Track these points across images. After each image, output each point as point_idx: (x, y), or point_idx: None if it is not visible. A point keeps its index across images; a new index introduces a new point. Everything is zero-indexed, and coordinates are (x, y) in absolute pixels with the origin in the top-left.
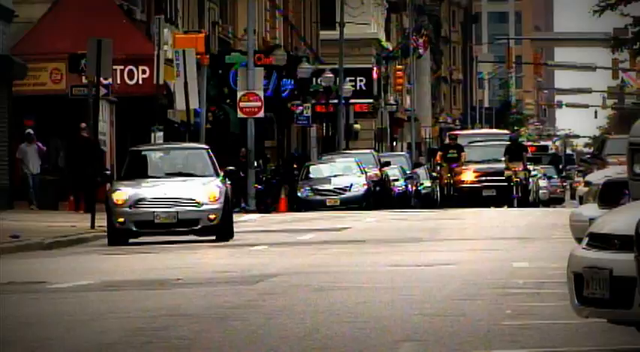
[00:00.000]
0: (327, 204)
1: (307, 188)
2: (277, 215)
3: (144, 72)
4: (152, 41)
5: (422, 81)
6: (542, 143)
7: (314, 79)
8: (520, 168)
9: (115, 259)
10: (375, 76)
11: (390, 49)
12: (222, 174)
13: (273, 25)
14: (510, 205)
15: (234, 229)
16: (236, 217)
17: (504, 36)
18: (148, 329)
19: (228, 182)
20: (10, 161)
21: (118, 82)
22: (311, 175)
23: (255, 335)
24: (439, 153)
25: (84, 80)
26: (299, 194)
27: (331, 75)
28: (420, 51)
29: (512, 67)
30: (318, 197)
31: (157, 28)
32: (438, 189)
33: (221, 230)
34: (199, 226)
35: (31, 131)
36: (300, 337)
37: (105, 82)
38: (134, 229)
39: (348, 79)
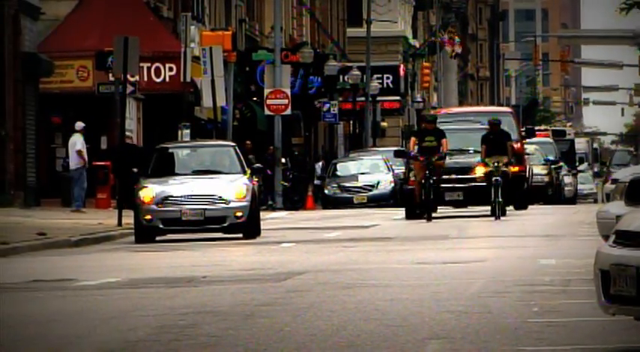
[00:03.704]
0: (355, 201)
1: (334, 185)
2: (304, 212)
3: (171, 69)
4: (179, 39)
5: (449, 78)
6: (559, 128)
7: (341, 77)
8: (502, 163)
9: (142, 256)
10: (402, 73)
11: (417, 46)
12: (249, 171)
13: (300, 22)
14: (493, 213)
15: (261, 226)
16: (263, 214)
17: (531, 33)
18: (174, 326)
19: (255, 179)
20: (37, 158)
21: (145, 79)
22: (338, 172)
23: (282, 333)
24: (412, 139)
25: (111, 77)
26: (326, 191)
27: (358, 72)
28: (448, 48)
29: (539, 65)
30: (346, 194)
31: (183, 26)
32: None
33: (248, 227)
34: (226, 223)
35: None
36: (327, 334)
37: (132, 79)
38: (161, 226)
39: (375, 76)
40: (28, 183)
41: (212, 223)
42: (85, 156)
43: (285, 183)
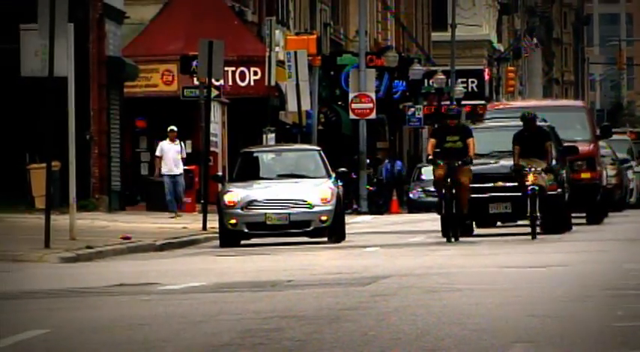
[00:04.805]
0: None
1: (419, 189)
2: (389, 216)
3: (255, 73)
4: (264, 42)
5: (533, 82)
6: None
7: (426, 81)
8: (539, 169)
9: (227, 260)
10: (486, 77)
11: (502, 50)
12: (334, 175)
13: (385, 26)
14: (532, 231)
15: (346, 231)
16: (348, 219)
17: (616, 37)
18: (259, 330)
19: (340, 183)
20: (122, 162)
21: (230, 83)
22: (423, 177)
23: (367, 337)
24: (431, 141)
25: (195, 81)
26: (411, 195)
27: (443, 76)
28: (524, 51)
29: (624, 69)
30: (430, 198)
31: (268, 30)
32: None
33: (333, 231)
34: (311, 228)
35: (174, 128)
36: (412, 339)
37: (216, 83)
38: (246, 231)
39: (459, 80)
40: (113, 187)
41: (297, 227)
42: (160, 164)
43: (370, 188)
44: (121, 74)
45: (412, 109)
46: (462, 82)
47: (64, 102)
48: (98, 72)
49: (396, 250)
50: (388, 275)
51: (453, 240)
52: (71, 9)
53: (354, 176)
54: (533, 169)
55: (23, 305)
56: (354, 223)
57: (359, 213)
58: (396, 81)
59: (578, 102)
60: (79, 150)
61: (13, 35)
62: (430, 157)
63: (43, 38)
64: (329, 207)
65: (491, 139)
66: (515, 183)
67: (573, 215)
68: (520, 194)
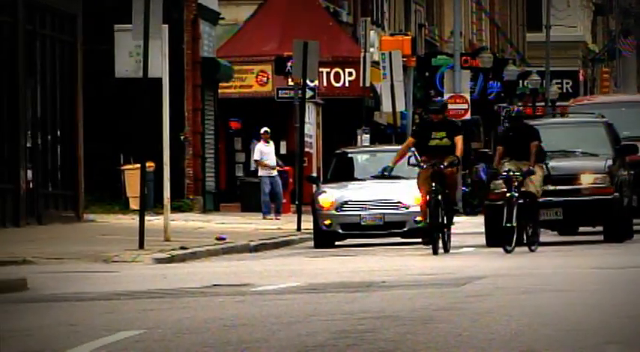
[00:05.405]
0: None
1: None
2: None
3: (350, 74)
4: (358, 43)
5: (629, 83)
6: None
7: (520, 82)
8: (517, 173)
9: (321, 261)
10: (581, 78)
11: (597, 51)
12: None
13: (480, 27)
14: (506, 243)
15: None
16: None
17: None
18: (353, 331)
19: None
20: (216, 163)
21: (325, 84)
22: None
23: (461, 338)
24: (410, 139)
25: (290, 82)
26: None
27: (538, 77)
28: (625, 53)
29: None
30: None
31: (363, 31)
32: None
33: (427, 232)
34: (406, 228)
35: (268, 129)
36: (506, 339)
37: (311, 84)
38: (340, 232)
39: (554, 81)
40: (207, 187)
41: (391, 228)
42: (265, 163)
43: (465, 188)
44: (215, 75)
45: (507, 110)
46: (557, 83)
47: (158, 103)
48: (193, 73)
49: (490, 251)
50: (482, 276)
51: (442, 251)
52: (165, 10)
53: None
54: (514, 173)
55: (117, 305)
56: None
57: None
58: (490, 82)
59: None
60: (174, 151)
61: (106, 36)
62: (413, 159)
63: (138, 39)
64: None
65: (545, 137)
66: (571, 186)
67: None
68: (574, 199)
